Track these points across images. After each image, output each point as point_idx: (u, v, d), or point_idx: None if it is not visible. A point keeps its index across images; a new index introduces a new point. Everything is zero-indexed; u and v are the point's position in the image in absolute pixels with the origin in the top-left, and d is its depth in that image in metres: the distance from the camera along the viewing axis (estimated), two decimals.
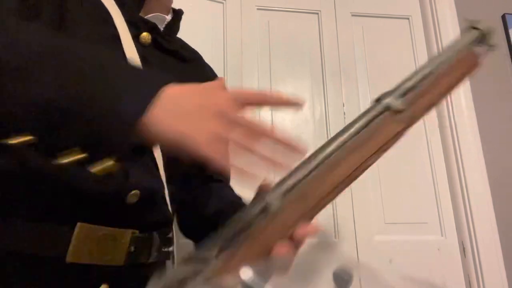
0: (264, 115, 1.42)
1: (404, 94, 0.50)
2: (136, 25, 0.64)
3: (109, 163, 0.39)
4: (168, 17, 0.73)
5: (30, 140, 0.37)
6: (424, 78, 0.52)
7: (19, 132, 0.37)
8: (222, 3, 1.49)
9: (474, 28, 0.57)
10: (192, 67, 0.76)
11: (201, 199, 0.75)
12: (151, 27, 0.66)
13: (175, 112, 0.38)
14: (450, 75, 0.53)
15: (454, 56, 0.54)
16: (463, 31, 0.58)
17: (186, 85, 0.41)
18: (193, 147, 0.37)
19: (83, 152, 0.38)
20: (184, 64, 0.73)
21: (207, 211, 0.73)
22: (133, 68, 0.45)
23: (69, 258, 0.51)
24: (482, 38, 0.57)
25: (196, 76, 0.74)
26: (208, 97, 0.40)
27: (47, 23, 0.53)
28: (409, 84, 0.51)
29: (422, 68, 0.53)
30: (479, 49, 0.57)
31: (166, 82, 0.40)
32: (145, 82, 0.40)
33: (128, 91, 0.38)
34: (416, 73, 0.52)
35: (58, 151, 0.38)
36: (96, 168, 0.39)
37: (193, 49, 0.81)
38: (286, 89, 1.47)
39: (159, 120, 0.37)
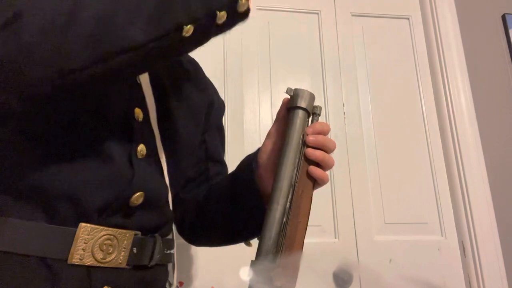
0: (264, 115, 1.42)
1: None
2: None
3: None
4: None
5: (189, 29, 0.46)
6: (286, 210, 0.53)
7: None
8: None
9: (298, 107, 0.58)
10: (192, 78, 0.78)
11: (204, 198, 0.75)
12: None
13: None
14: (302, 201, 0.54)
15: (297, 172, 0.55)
16: (290, 112, 0.59)
17: None
18: None
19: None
20: (185, 73, 0.75)
21: (209, 210, 0.73)
22: None
23: (71, 260, 0.51)
24: (308, 113, 0.59)
25: (195, 86, 0.76)
26: None
27: None
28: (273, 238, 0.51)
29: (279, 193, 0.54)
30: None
31: None
32: None
33: None
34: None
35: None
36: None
37: (190, 58, 0.82)
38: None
39: None
